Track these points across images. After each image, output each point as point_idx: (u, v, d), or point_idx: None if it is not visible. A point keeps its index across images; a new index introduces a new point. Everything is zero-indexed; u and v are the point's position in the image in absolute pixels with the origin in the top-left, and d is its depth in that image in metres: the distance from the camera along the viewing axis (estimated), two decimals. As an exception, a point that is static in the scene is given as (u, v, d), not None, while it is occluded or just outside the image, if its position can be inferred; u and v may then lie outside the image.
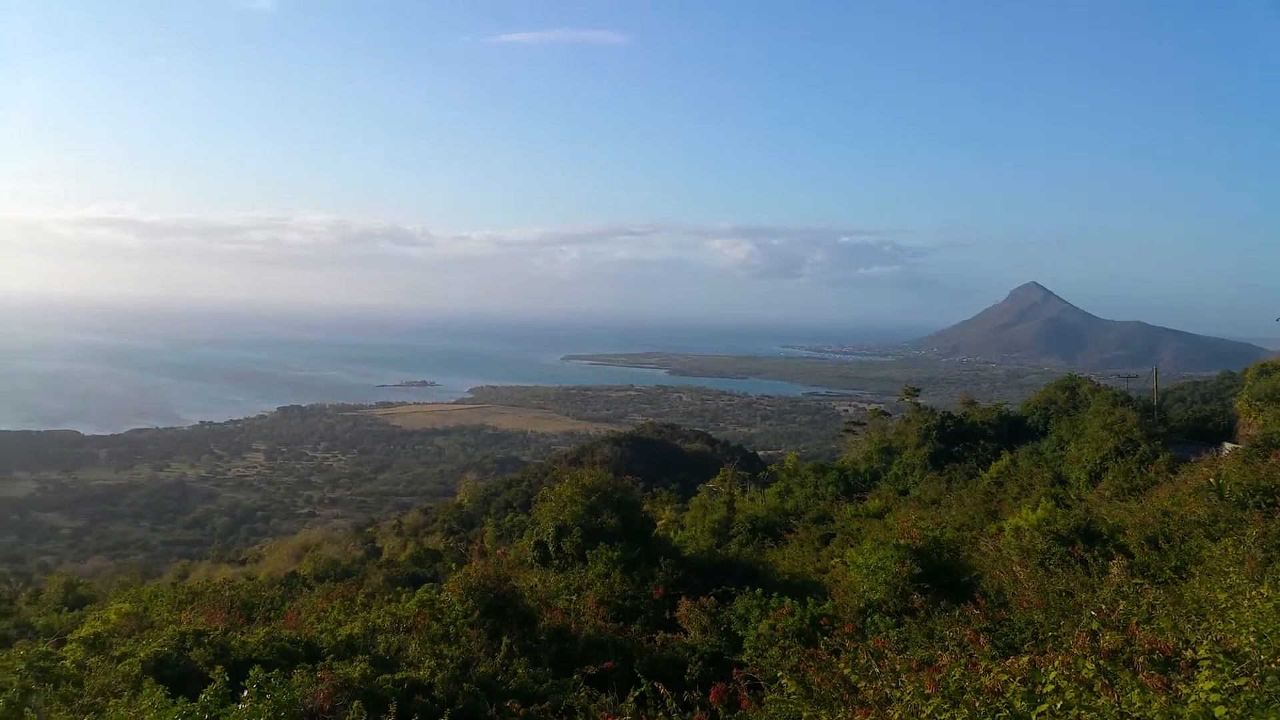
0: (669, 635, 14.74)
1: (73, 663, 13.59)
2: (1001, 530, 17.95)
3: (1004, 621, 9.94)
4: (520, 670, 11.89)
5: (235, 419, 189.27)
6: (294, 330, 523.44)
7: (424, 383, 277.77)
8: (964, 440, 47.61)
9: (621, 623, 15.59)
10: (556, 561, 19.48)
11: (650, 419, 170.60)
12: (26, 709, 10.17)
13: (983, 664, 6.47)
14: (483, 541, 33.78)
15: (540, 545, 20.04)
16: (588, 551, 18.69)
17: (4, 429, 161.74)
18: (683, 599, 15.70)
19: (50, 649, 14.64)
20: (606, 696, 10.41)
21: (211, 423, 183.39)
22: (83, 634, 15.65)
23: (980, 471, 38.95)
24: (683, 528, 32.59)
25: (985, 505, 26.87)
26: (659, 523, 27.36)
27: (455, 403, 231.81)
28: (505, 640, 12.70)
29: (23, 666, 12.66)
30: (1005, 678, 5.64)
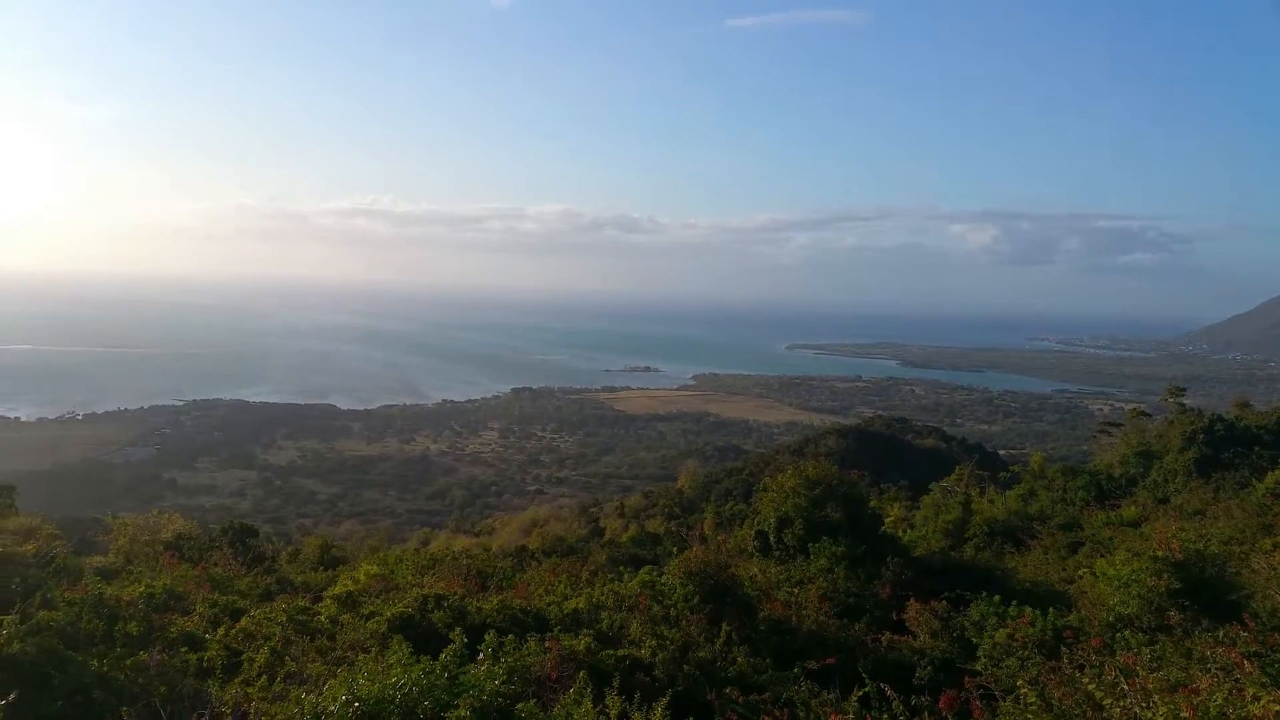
0: (895, 637, 14.27)
1: (327, 618, 14.93)
2: (1278, 546, 16.02)
3: (1277, 647, 8.84)
4: (740, 658, 11.91)
5: (473, 398, 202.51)
6: (524, 315, 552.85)
7: (647, 368, 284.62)
8: (1236, 446, 42.76)
9: (845, 620, 15.26)
10: (777, 553, 19.36)
11: (879, 411, 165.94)
12: (286, 657, 11.38)
13: (1250, 691, 5.80)
14: (703, 528, 34.18)
15: (761, 535, 19.98)
16: (810, 545, 18.45)
17: (274, 401, 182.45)
18: (911, 600, 15.13)
19: (307, 604, 16.15)
20: (829, 693, 10.22)
21: (452, 401, 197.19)
22: (336, 592, 17.17)
23: (1254, 481, 34.77)
24: (912, 526, 31.43)
25: (1259, 519, 23.95)
26: (886, 520, 26.54)
27: (678, 389, 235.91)
28: (725, 627, 12.77)
29: (284, 619, 14.01)
30: (1278, 709, 5.01)
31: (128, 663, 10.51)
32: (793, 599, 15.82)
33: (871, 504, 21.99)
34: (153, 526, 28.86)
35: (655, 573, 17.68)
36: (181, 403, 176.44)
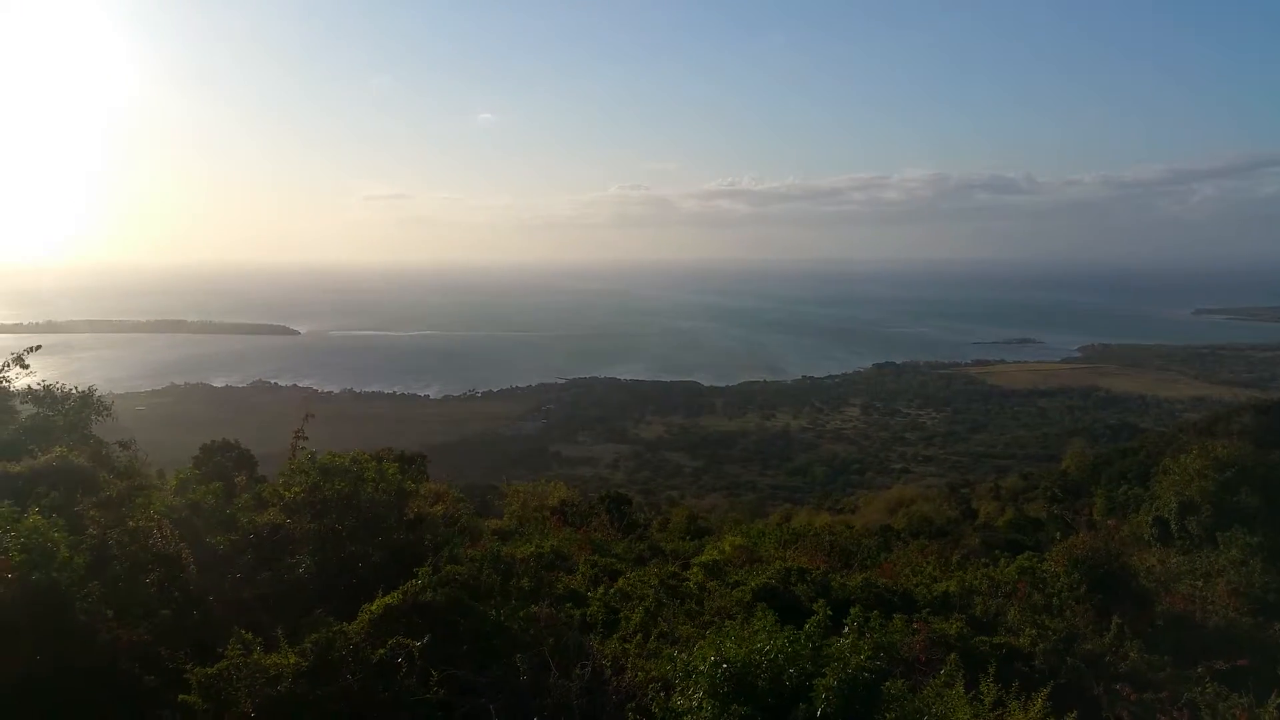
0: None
1: (695, 584, 15.73)
2: None
3: None
4: (1132, 654, 10.84)
5: (834, 374, 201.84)
6: (886, 287, 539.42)
7: (1024, 340, 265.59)
8: None
9: (1261, 618, 13.37)
10: (1180, 541, 17.40)
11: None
12: (658, 618, 12.15)
13: None
14: (1091, 513, 31.31)
15: (1160, 522, 18.06)
16: (1218, 534, 16.39)
17: (643, 379, 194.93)
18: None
19: (677, 570, 17.13)
20: (1241, 697, 9.01)
21: (812, 377, 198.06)
22: (703, 560, 18.04)
23: None
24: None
25: None
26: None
27: (1060, 362, 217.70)
28: (1116, 620, 11.66)
29: (656, 583, 14.96)
30: None
31: (520, 615, 11.81)
32: (1197, 593, 14.13)
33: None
34: (540, 493, 31.83)
35: (1035, 559, 16.59)
36: (563, 381, 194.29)
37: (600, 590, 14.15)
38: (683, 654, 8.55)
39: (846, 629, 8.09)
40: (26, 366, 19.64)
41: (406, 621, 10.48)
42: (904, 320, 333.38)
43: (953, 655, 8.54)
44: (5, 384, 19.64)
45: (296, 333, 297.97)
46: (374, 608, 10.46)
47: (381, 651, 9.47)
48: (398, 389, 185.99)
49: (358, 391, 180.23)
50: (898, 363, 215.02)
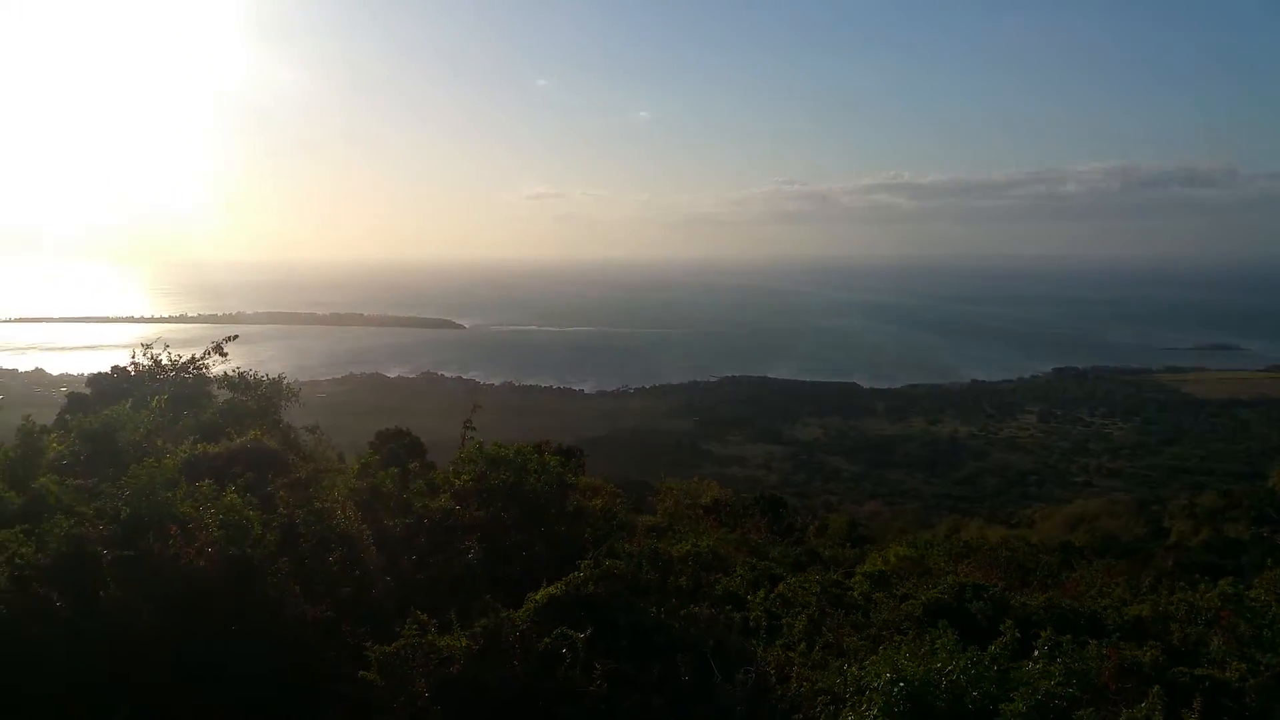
0: None
1: (859, 594, 15.36)
2: None
3: None
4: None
5: (1007, 379, 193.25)
6: (1064, 287, 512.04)
7: (1222, 345, 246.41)
8: None
9: None
10: None
11: None
12: (823, 627, 11.91)
13: None
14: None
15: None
16: None
17: (799, 379, 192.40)
18: None
19: (839, 578, 16.78)
20: None
21: (982, 381, 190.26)
22: (866, 570, 17.60)
23: None
24: None
25: None
26: None
27: (1265, 370, 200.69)
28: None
29: (818, 590, 14.71)
30: None
31: (681, 613, 11.84)
32: None
33: None
34: (693, 491, 31.88)
35: (1239, 585, 15.34)
36: (715, 379, 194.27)
37: (760, 594, 14.00)
38: (852, 667, 8.34)
39: (1036, 651, 7.68)
40: (225, 355, 21.26)
41: (569, 613, 10.69)
42: (1085, 322, 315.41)
43: (1157, 688, 7.95)
44: (204, 371, 21.29)
45: (462, 327, 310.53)
46: (539, 597, 10.72)
47: (547, 640, 9.70)
48: (554, 383, 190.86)
49: (517, 384, 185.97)
50: (1080, 368, 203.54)
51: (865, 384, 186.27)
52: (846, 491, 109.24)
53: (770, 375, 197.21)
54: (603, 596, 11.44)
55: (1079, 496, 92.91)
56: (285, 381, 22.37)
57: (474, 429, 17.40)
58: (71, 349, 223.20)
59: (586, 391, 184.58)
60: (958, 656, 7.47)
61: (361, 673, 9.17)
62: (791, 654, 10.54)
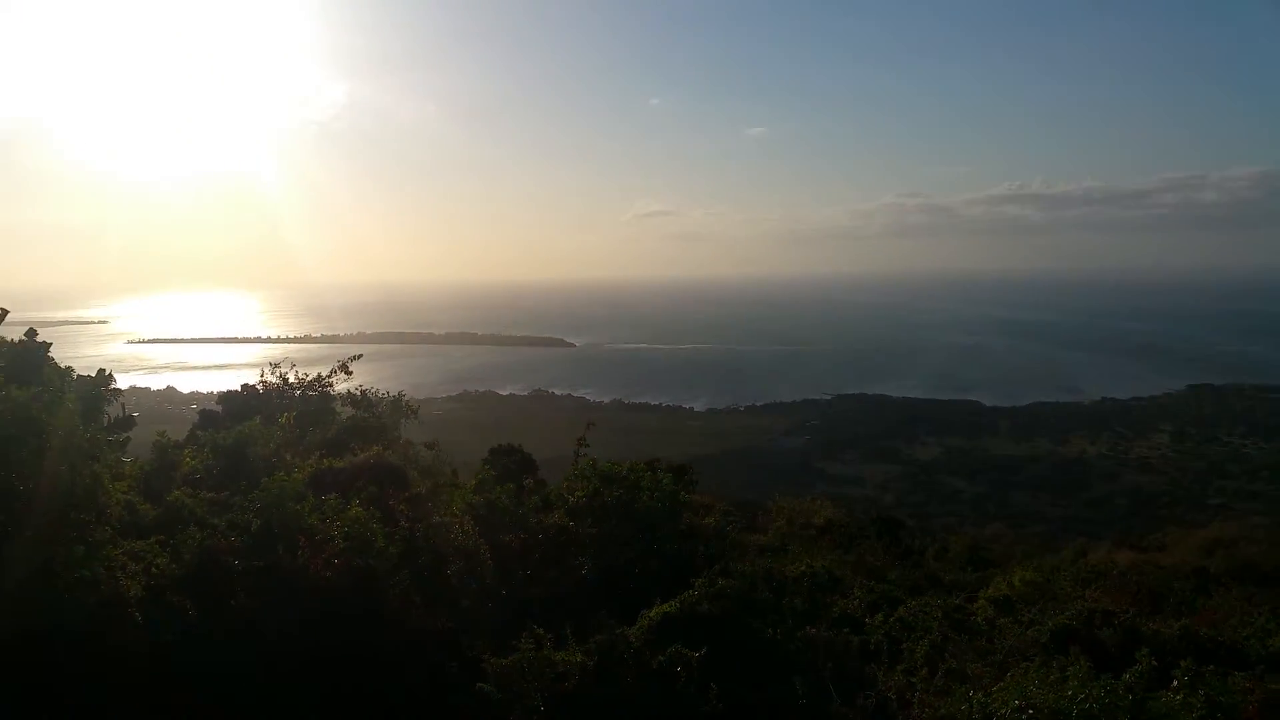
0: None
1: (983, 619, 14.90)
2: None
3: None
4: None
5: (1139, 396, 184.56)
6: (1203, 299, 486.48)
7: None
8: None
9: None
10: None
11: None
12: (945, 652, 11.59)
13: None
14: None
15: None
16: None
17: (916, 396, 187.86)
18: None
19: (961, 603, 16.30)
20: None
21: (1113, 399, 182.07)
22: (990, 594, 17.07)
23: None
24: None
25: None
26: None
27: None
28: None
29: (939, 614, 14.33)
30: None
31: (797, 635, 11.71)
32: None
33: None
34: (807, 511, 31.50)
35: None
36: (829, 397, 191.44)
37: (880, 618, 13.75)
38: (978, 694, 8.10)
39: (1175, 682, 7.32)
40: (350, 373, 22.16)
41: (683, 631, 10.70)
42: (1225, 336, 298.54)
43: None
44: (329, 389, 22.21)
45: (573, 345, 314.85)
46: (653, 614, 10.78)
47: (661, 658, 9.74)
48: (664, 401, 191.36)
49: (627, 402, 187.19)
50: (1217, 385, 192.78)
51: (988, 402, 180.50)
52: (967, 513, 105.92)
53: (889, 393, 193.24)
54: (717, 615, 11.42)
55: (1215, 520, 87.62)
56: (404, 399, 23.13)
57: (587, 446, 17.65)
58: (201, 368, 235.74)
59: (698, 409, 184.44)
60: (1090, 685, 7.19)
61: (479, 684, 9.39)
62: (913, 679, 10.30)
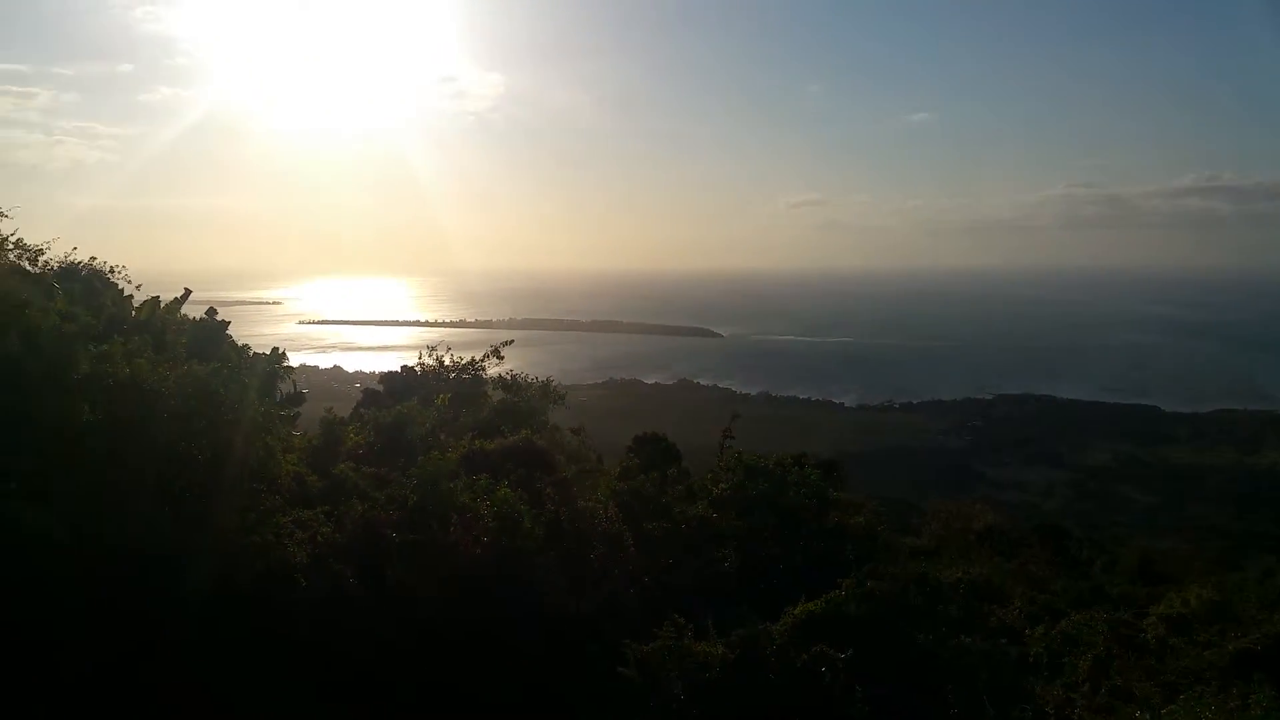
0: None
1: (1153, 637, 14.12)
2: None
3: None
4: None
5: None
6: None
7: None
8: None
9: None
10: None
11: None
12: (1110, 669, 11.04)
13: None
14: None
15: None
16: None
17: (1083, 399, 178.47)
18: None
19: (1130, 619, 15.48)
20: None
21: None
22: (1162, 611, 16.13)
23: None
24: None
25: None
26: None
27: None
28: None
29: (1106, 630, 13.65)
30: None
31: (951, 643, 11.40)
32: None
33: None
34: (964, 515, 30.58)
35: None
36: (990, 396, 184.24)
37: (1040, 629, 13.22)
38: (1145, 715, 7.69)
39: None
40: (501, 358, 22.97)
41: (828, 631, 10.60)
42: None
43: None
44: (481, 372, 23.05)
45: (719, 336, 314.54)
46: (797, 612, 10.71)
47: (805, 656, 9.67)
48: (814, 394, 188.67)
49: (774, 394, 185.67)
50: None
51: (1167, 407, 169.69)
52: (1139, 524, 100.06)
53: (1055, 395, 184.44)
54: (865, 618, 11.26)
55: None
56: (552, 385, 23.73)
57: (732, 438, 17.66)
58: (365, 349, 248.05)
59: (848, 405, 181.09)
60: (1275, 715, 6.70)
61: (620, 669, 9.57)
62: (1074, 695, 9.88)
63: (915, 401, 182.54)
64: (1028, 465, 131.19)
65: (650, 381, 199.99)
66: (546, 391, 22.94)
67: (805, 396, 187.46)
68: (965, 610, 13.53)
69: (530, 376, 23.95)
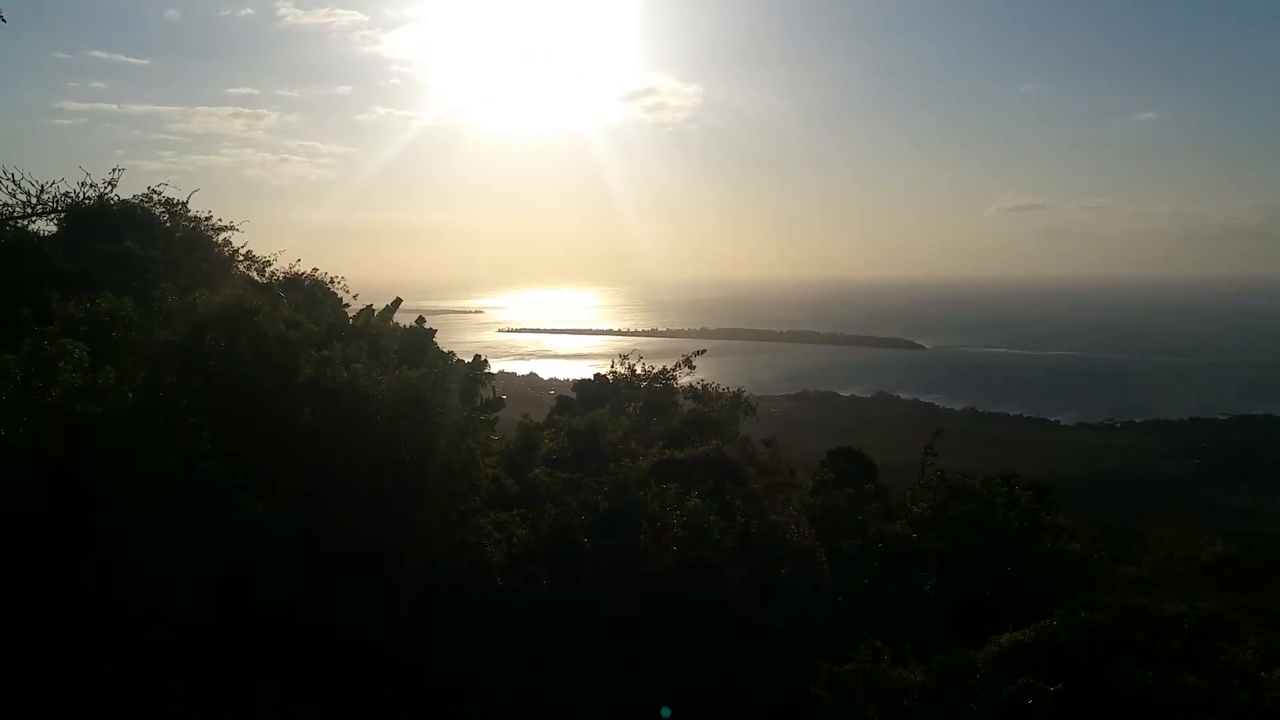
0: None
1: None
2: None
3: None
4: None
5: None
6: None
7: None
8: None
9: None
10: None
11: None
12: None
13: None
14: None
15: None
16: None
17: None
18: None
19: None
20: None
21: None
22: None
23: None
24: None
25: None
26: None
27: None
28: None
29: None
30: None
31: (1173, 681, 10.63)
32: None
33: None
34: (1190, 545, 28.58)
35: None
36: (1227, 417, 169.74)
37: (1278, 671, 12.09)
38: None
39: None
40: (693, 368, 23.29)
41: (1036, 662, 10.15)
42: None
43: None
44: (672, 381, 23.42)
45: (922, 347, 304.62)
46: (1003, 640, 10.30)
47: (1011, 688, 9.29)
48: (1026, 411, 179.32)
49: (981, 410, 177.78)
50: None
51: None
52: None
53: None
54: (1077, 650, 10.71)
55: None
56: (743, 395, 23.79)
57: (934, 455, 17.14)
58: (559, 356, 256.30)
59: (1064, 423, 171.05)
60: None
61: (811, 688, 9.49)
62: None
63: (1138, 420, 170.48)
64: (1268, 494, 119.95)
65: (846, 394, 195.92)
66: (737, 402, 23.03)
67: (1016, 413, 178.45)
68: (1189, 647, 12.58)
69: (721, 387, 24.10)
